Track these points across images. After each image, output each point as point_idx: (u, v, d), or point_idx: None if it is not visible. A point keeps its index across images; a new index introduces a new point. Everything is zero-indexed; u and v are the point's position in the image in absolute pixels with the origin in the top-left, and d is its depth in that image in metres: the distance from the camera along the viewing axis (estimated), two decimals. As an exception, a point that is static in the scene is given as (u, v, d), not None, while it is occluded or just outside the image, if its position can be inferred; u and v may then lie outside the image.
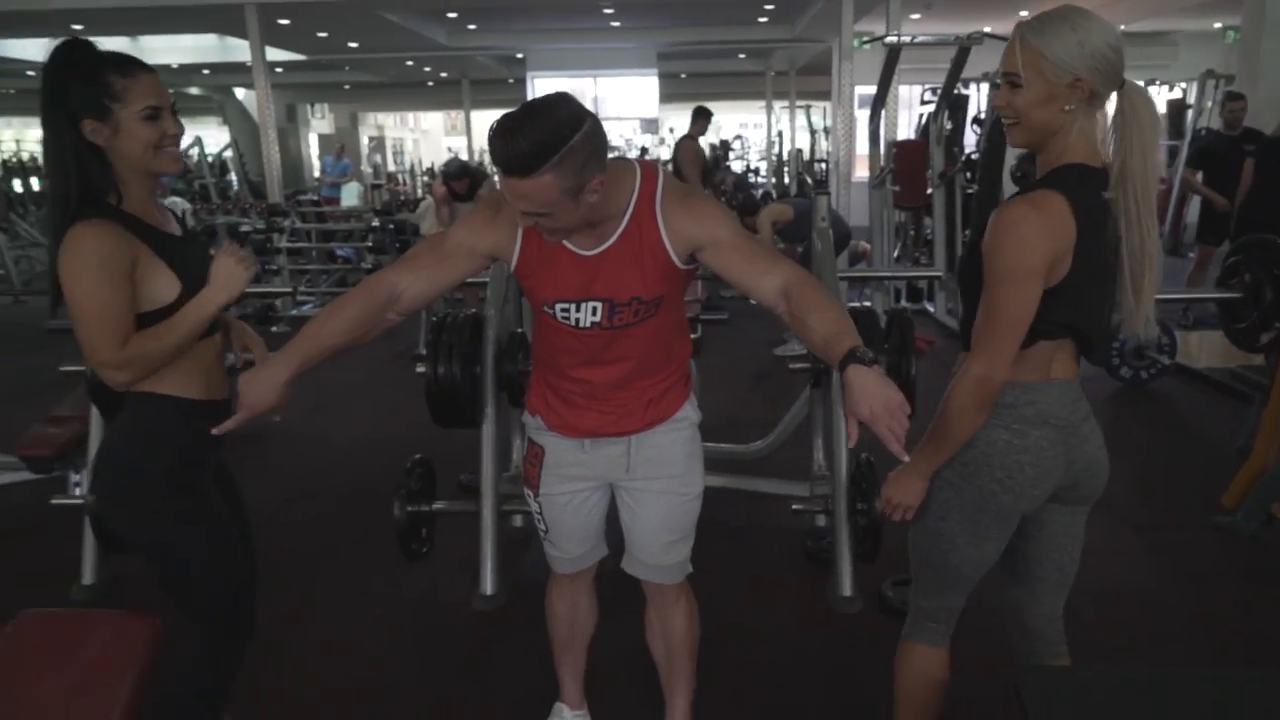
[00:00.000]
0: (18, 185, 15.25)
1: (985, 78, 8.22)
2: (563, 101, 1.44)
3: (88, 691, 1.45)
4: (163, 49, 13.30)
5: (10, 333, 7.51)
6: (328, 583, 3.03)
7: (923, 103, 11.26)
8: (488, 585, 2.84)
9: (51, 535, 3.19)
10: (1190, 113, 10.18)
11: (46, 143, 1.55)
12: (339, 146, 14.25)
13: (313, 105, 23.14)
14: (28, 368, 6.25)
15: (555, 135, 1.38)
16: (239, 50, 12.22)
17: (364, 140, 25.81)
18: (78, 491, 3.37)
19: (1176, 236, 9.96)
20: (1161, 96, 10.96)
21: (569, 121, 1.40)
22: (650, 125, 17.85)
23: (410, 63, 15.84)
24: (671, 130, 24.69)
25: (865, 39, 8.60)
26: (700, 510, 1.88)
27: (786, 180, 14.83)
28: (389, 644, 2.66)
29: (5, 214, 11.10)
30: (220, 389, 1.74)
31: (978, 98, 8.91)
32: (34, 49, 13.27)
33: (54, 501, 3.17)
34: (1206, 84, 9.93)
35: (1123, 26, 11.67)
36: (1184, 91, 10.78)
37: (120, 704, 1.44)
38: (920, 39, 7.43)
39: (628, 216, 1.61)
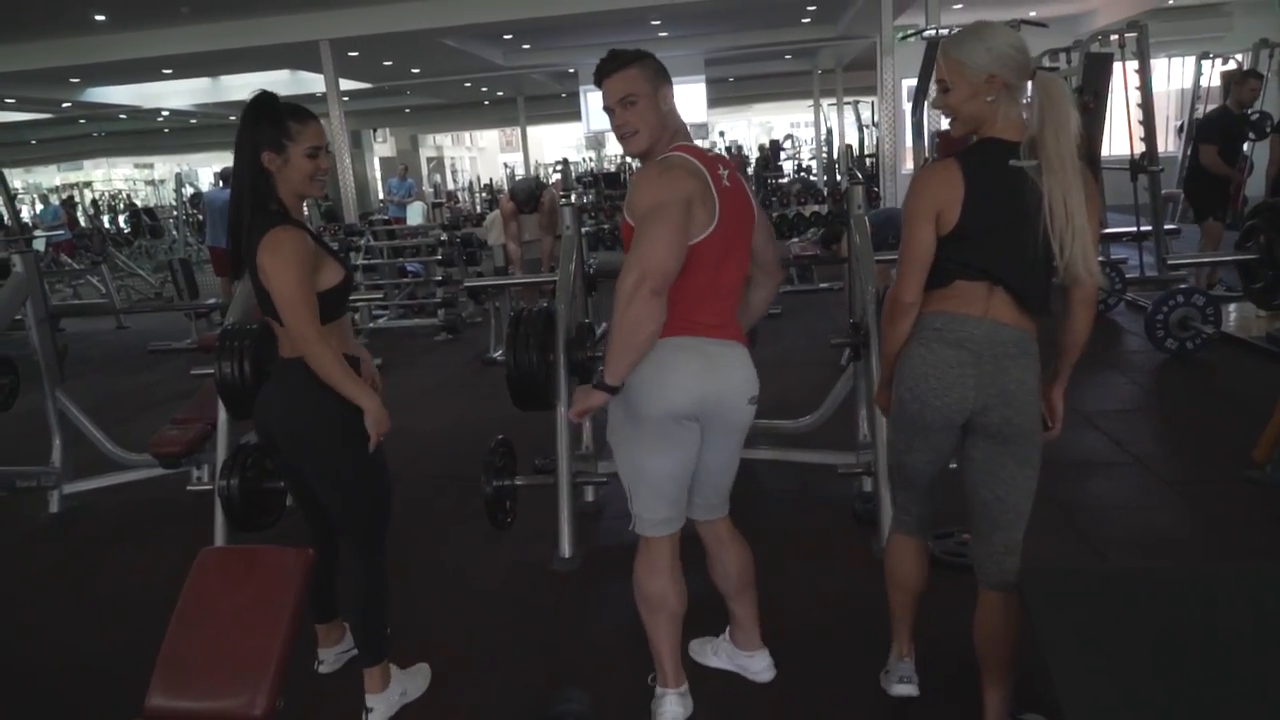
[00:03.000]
0: (107, 222, 16.31)
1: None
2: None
3: (260, 606, 1.83)
4: (240, 86, 14.13)
5: (118, 354, 8.18)
6: (421, 551, 3.41)
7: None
8: (565, 549, 3.19)
9: (188, 518, 3.65)
10: (1245, 85, 10.04)
11: (236, 163, 2.05)
12: (403, 168, 14.90)
13: (375, 130, 24.05)
14: (139, 384, 6.87)
15: (638, 51, 2.02)
16: (310, 83, 12.95)
17: (424, 160, 26.66)
18: (204, 481, 3.84)
19: (1236, 211, 9.84)
20: (1215, 70, 10.80)
21: (642, 50, 2.03)
22: (699, 130, 18.12)
23: (468, 84, 16.45)
24: (722, 134, 24.98)
25: (907, 33, 8.78)
26: (742, 481, 2.22)
27: (838, 177, 14.96)
28: (480, 600, 3.02)
29: (104, 247, 11.95)
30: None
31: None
32: (121, 94, 14.23)
33: (190, 488, 3.63)
34: (1261, 54, 9.79)
35: (1171, 1, 11.55)
36: (1239, 63, 10.60)
37: (286, 616, 1.82)
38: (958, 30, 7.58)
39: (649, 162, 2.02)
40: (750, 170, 15.18)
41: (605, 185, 14.28)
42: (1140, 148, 6.20)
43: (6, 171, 11.02)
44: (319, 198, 2.17)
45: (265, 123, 2.02)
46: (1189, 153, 7.13)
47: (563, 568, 3.16)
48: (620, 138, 2.03)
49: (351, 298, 2.25)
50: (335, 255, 2.15)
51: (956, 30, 1.83)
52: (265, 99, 2.06)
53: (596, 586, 3.03)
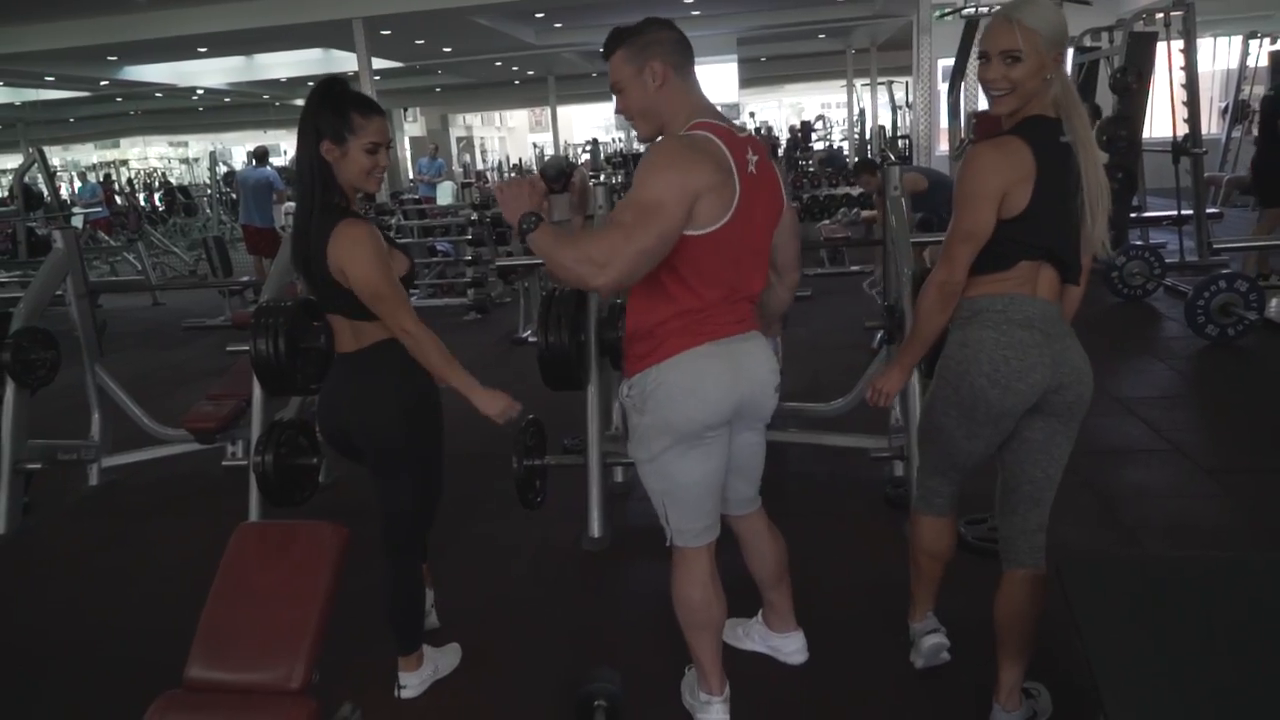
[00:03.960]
0: (142, 200, 16.53)
1: (1071, 43, 8.13)
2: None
3: (297, 580, 1.86)
4: (274, 64, 14.23)
5: (154, 330, 8.31)
6: (452, 530, 3.42)
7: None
8: (595, 528, 3.20)
9: (222, 493, 3.71)
10: (1294, 65, 9.77)
11: (298, 150, 2.00)
12: (433, 148, 14.94)
13: (405, 109, 24.12)
14: (174, 360, 6.98)
15: (627, 28, 1.87)
16: (342, 62, 13.01)
17: (453, 140, 26.71)
18: (238, 456, 3.90)
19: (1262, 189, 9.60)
20: (1263, 50, 10.52)
21: (636, 25, 1.88)
22: (730, 110, 18.00)
23: (499, 63, 16.43)
24: (752, 115, 24.78)
25: (944, 11, 8.62)
26: (773, 464, 2.18)
27: (870, 157, 14.79)
28: (510, 579, 3.05)
29: (140, 225, 12.14)
30: None
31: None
32: (157, 73, 14.38)
33: (225, 463, 3.69)
34: (1311, 34, 9.53)
35: (1220, -21, 11.22)
36: (1288, 43, 10.33)
37: (322, 590, 1.84)
38: (998, 8, 7.43)
39: None
40: (780, 152, 15.03)
41: (635, 166, 14.18)
42: (1183, 130, 6.06)
43: (45, 149, 11.19)
44: (373, 193, 2.12)
45: (329, 110, 1.96)
46: (1256, 134, 6.92)
47: (592, 547, 3.17)
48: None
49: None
50: (399, 246, 2.13)
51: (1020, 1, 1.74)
52: (333, 84, 2.00)
53: (626, 566, 3.04)
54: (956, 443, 1.95)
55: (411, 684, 2.31)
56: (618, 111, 1.92)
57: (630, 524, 3.36)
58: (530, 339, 4.92)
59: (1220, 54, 13.46)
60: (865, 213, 10.12)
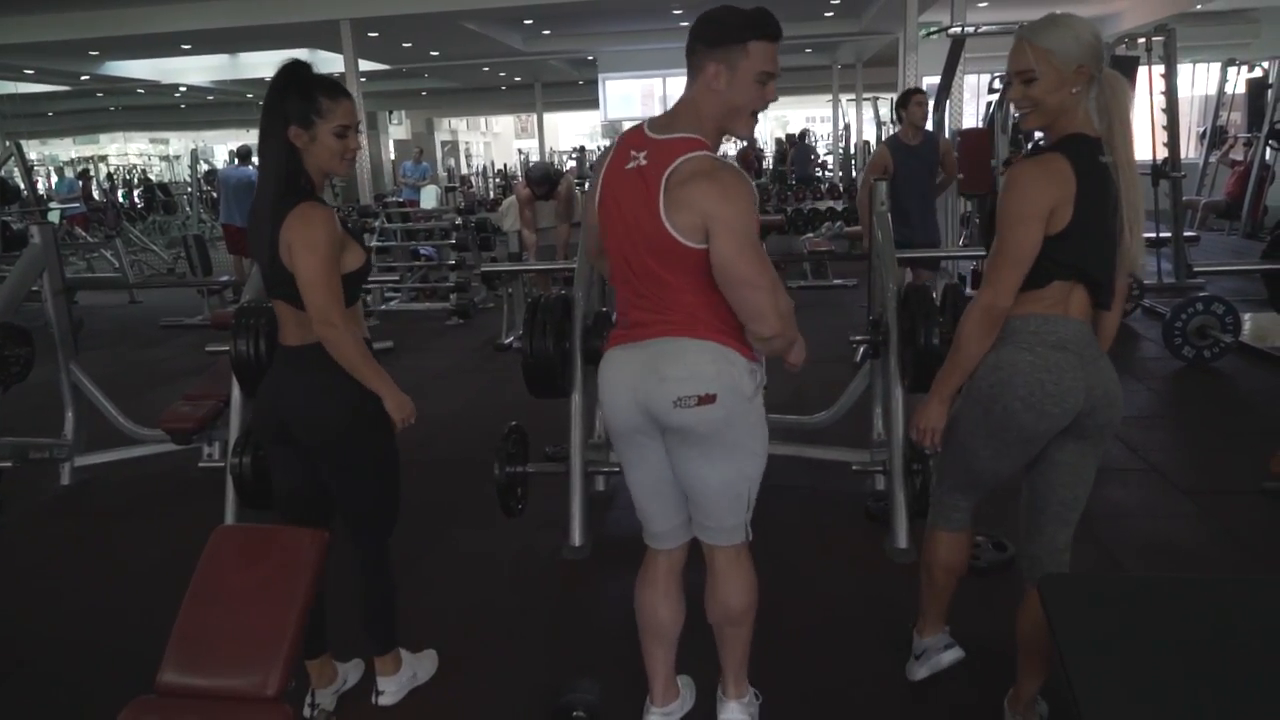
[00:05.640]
0: (121, 196, 16.33)
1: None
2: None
3: (275, 585, 1.82)
4: (258, 63, 14.12)
5: (131, 328, 8.20)
6: (431, 536, 3.40)
7: (990, 91, 11.25)
8: (576, 537, 3.18)
9: (197, 494, 3.65)
10: (1271, 92, 9.95)
11: (262, 137, 1.96)
12: (418, 151, 14.88)
13: (390, 112, 24.02)
14: (150, 359, 6.89)
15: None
16: (328, 63, 12.89)
17: (438, 144, 26.63)
18: (214, 458, 3.84)
19: (1256, 221, 9.77)
20: (1241, 77, 10.71)
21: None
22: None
23: (486, 68, 16.41)
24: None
25: (931, 29, 8.71)
26: (758, 478, 1.93)
27: (854, 174, 14.90)
28: (490, 586, 3.02)
29: (118, 222, 11.99)
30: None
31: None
32: (139, 69, 14.24)
33: (202, 464, 3.64)
34: (1288, 63, 9.72)
35: (1199, 6, 11.44)
36: (1265, 71, 10.52)
37: (300, 595, 1.81)
38: (985, 28, 7.52)
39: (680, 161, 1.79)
40: (768, 165, 15.09)
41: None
42: (1162, 153, 6.15)
43: (23, 143, 11.04)
44: (343, 176, 2.07)
45: (294, 95, 1.92)
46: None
47: (573, 556, 3.15)
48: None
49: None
50: (356, 238, 2.07)
51: (1033, 22, 1.77)
52: (296, 68, 1.95)
53: (607, 575, 3.02)
54: (982, 463, 1.93)
55: (389, 689, 2.28)
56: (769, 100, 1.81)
57: (611, 533, 3.35)
58: (516, 343, 4.94)
59: (1199, 80, 13.70)
60: (849, 228, 10.21)
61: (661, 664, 2.07)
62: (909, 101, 5.19)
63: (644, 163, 1.75)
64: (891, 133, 5.70)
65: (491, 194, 17.90)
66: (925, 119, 5.26)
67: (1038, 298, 1.79)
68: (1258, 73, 10.70)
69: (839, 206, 12.08)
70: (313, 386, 2.02)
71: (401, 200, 11.27)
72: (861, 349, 5.58)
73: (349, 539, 2.18)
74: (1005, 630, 2.05)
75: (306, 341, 2.01)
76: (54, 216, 11.73)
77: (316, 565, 1.86)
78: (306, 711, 2.21)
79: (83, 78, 14.68)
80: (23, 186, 10.90)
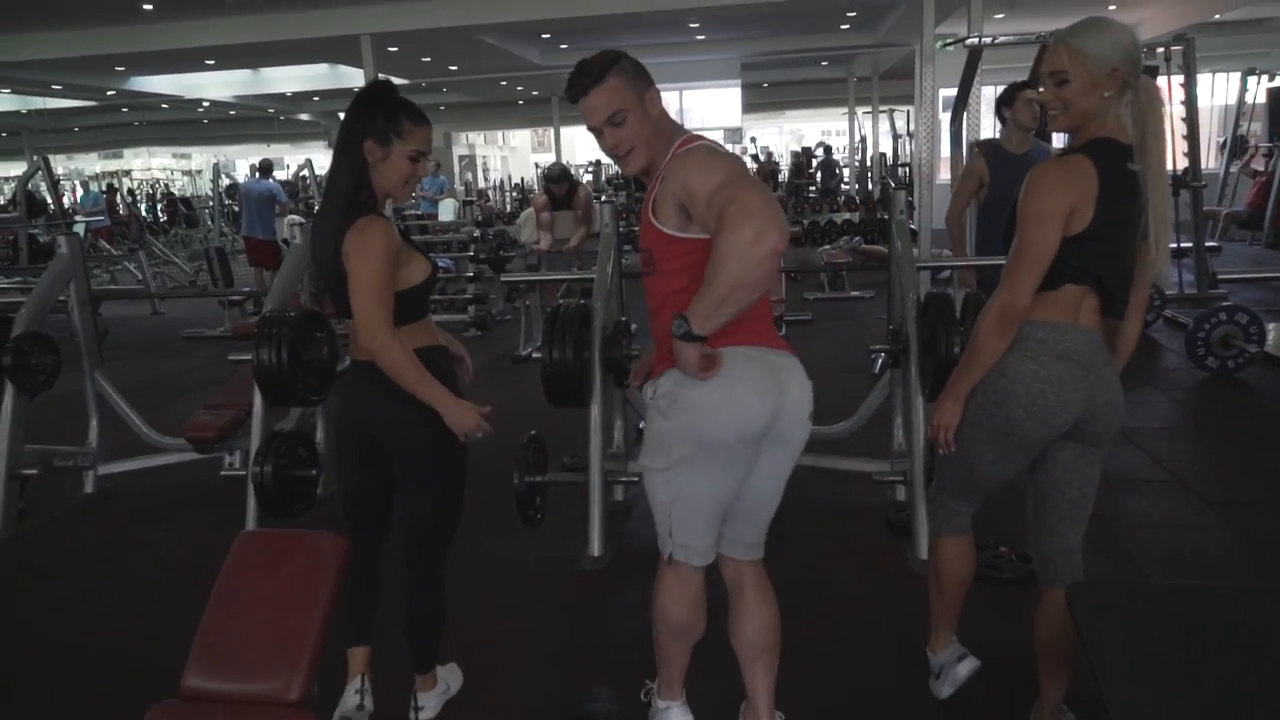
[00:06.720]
0: (144, 210, 16.54)
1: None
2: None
3: (297, 590, 1.84)
4: (279, 79, 14.29)
5: (153, 339, 8.29)
6: (453, 543, 3.40)
7: (1008, 102, 11.21)
8: (595, 547, 3.18)
9: (219, 503, 3.68)
10: (1292, 102, 9.89)
11: (337, 148, 1.97)
12: (436, 165, 14.98)
13: (409, 126, 24.15)
14: (173, 370, 6.96)
15: (607, 55, 1.79)
16: (348, 77, 13.08)
17: (456, 158, 26.81)
18: (236, 466, 3.88)
19: (1278, 231, 9.67)
20: (1261, 86, 10.63)
21: (611, 53, 1.80)
22: (733, 134, 18.14)
23: (504, 82, 16.53)
24: (754, 139, 24.93)
25: (947, 41, 8.69)
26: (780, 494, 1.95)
27: (870, 185, 14.88)
28: (510, 596, 3.02)
29: (142, 235, 12.15)
30: None
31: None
32: (163, 84, 14.45)
33: (224, 473, 3.67)
34: (1310, 72, 9.65)
35: (1218, 16, 11.38)
36: (1286, 80, 10.45)
37: (323, 600, 1.82)
38: (1001, 39, 7.50)
39: (660, 167, 1.79)
40: (783, 178, 15.11)
41: (636, 188, 14.30)
42: (1183, 163, 6.11)
43: (50, 157, 11.22)
44: (401, 203, 2.08)
45: (379, 112, 1.93)
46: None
47: (592, 566, 3.15)
48: (615, 159, 1.83)
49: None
50: (421, 250, 2.07)
51: (1073, 24, 1.77)
52: (385, 87, 1.97)
53: (626, 585, 3.01)
54: (984, 468, 1.96)
55: (429, 704, 2.27)
56: (613, 146, 1.79)
57: (630, 543, 3.35)
58: (534, 355, 4.97)
59: (1219, 90, 13.61)
60: (867, 246, 10.19)
61: (686, 665, 2.09)
62: (1014, 99, 3.88)
63: None
64: (906, 144, 5.48)
65: (509, 207, 18.01)
66: (1035, 121, 3.87)
67: (1050, 301, 1.79)
68: (1278, 82, 10.62)
69: (856, 219, 12.10)
70: (391, 395, 1.97)
71: (420, 213, 11.36)
72: (880, 360, 5.57)
73: (402, 555, 2.16)
74: (1030, 641, 2.03)
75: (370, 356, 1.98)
76: (79, 229, 11.90)
77: (340, 570, 1.87)
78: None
79: (108, 93, 14.90)
80: (49, 200, 11.06)
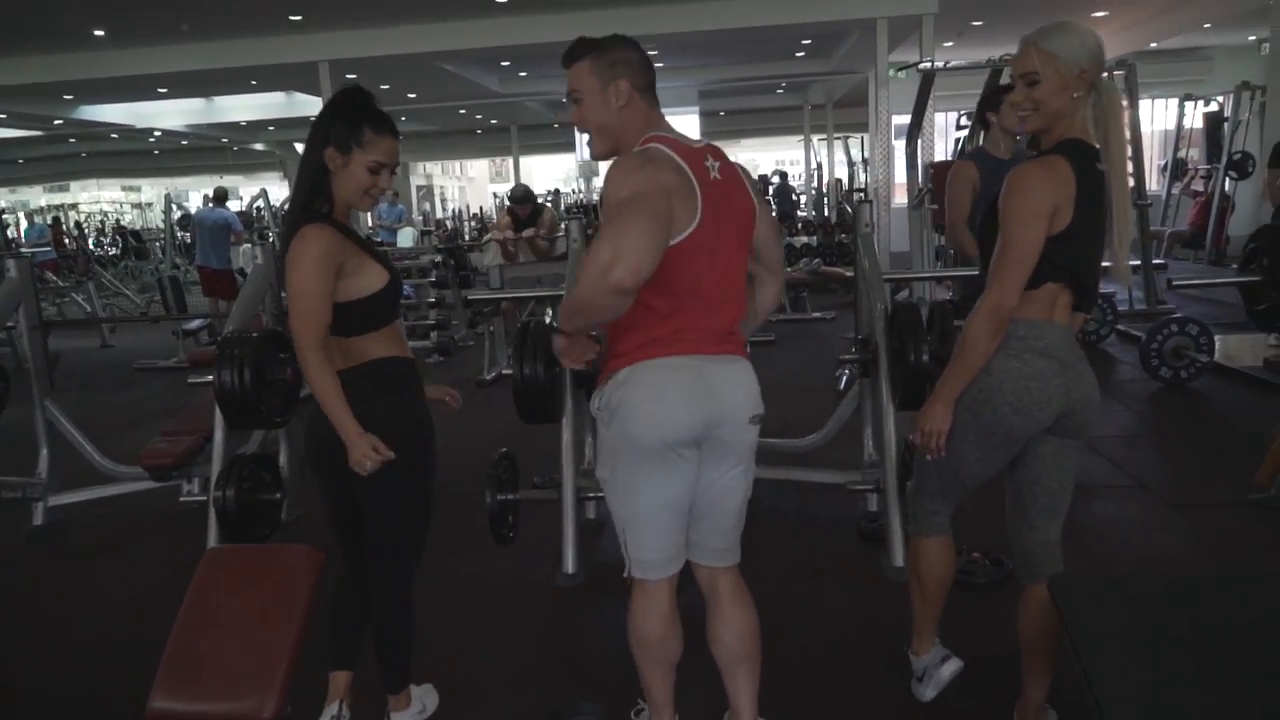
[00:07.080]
0: (92, 243, 16.16)
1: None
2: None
3: (270, 606, 1.78)
4: (234, 107, 14.14)
5: (104, 372, 8.06)
6: (423, 567, 3.31)
7: (958, 128, 11.51)
8: (569, 564, 3.13)
9: (177, 531, 3.57)
10: (1227, 125, 10.26)
11: (305, 152, 1.94)
12: (394, 194, 14.89)
13: (365, 156, 24.01)
14: (125, 401, 6.77)
15: (598, 40, 1.82)
16: (305, 105, 12.98)
17: (413, 188, 26.71)
18: (195, 493, 3.76)
19: (1220, 249, 10.00)
20: (1198, 111, 11.04)
21: (610, 38, 1.83)
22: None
23: (463, 110, 16.54)
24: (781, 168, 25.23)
25: (900, 66, 8.91)
26: (753, 500, 1.96)
27: (826, 211, 15.11)
28: (484, 615, 2.96)
29: (89, 267, 11.88)
30: None
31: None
32: (114, 113, 14.21)
33: (182, 499, 3.55)
34: (1242, 96, 10.04)
35: (1154, 44, 11.83)
36: (1220, 105, 10.86)
37: (297, 616, 1.77)
38: (953, 64, 7.71)
39: None
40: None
41: (595, 216, 14.37)
42: (1128, 183, 6.29)
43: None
44: (363, 211, 2.03)
45: (341, 119, 1.90)
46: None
47: (566, 583, 3.11)
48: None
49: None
50: (380, 259, 1.99)
51: (1042, 27, 1.81)
52: (356, 94, 1.94)
53: (600, 602, 2.97)
54: (968, 466, 1.97)
55: None
56: (573, 121, 1.86)
57: (604, 560, 3.30)
58: (506, 371, 4.93)
59: (1158, 115, 14.11)
60: (826, 268, 10.32)
61: (671, 688, 2.03)
62: (998, 102, 3.54)
63: (718, 175, 1.79)
64: (860, 171, 5.52)
65: (468, 236, 17.93)
66: (1020, 124, 3.29)
67: (1031, 299, 1.82)
68: (1213, 107, 11.03)
69: (814, 242, 12.25)
70: (359, 410, 1.90)
71: (380, 241, 11.26)
72: (845, 377, 5.62)
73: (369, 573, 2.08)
74: (1007, 644, 2.04)
75: (347, 366, 1.94)
76: (24, 261, 11.59)
77: (314, 584, 1.82)
78: None
79: (56, 122, 14.60)
80: (-8, 232, 10.77)
